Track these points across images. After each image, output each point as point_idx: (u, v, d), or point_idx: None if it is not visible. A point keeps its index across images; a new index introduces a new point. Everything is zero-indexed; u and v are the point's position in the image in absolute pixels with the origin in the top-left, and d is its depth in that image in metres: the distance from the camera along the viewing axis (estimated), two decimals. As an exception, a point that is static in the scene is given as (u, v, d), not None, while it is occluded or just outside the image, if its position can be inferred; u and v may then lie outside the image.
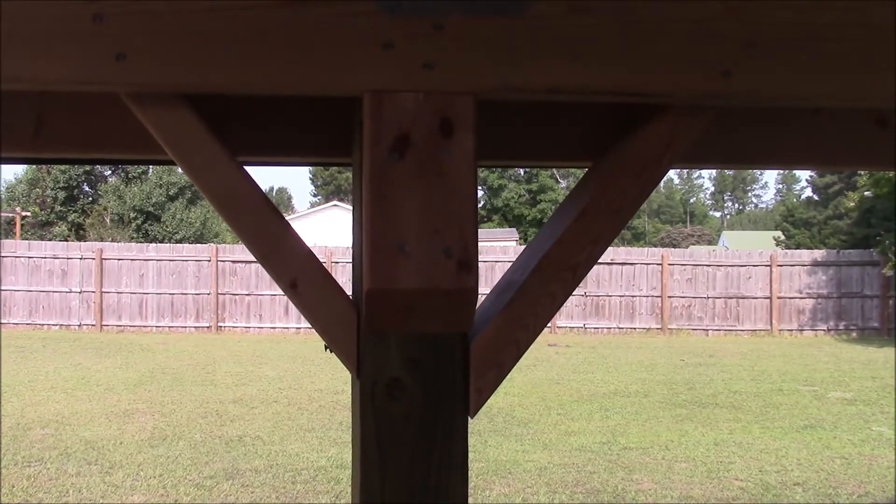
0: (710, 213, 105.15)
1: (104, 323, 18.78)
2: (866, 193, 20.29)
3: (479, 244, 0.94)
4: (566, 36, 0.89)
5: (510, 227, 44.11)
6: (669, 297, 19.32)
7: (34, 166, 36.64)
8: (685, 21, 0.91)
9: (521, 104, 1.14)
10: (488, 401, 1.00)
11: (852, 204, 22.43)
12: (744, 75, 0.92)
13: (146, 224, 35.04)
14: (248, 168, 1.00)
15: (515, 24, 0.88)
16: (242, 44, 0.87)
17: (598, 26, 0.90)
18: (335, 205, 37.57)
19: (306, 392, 10.43)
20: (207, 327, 18.93)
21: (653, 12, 0.90)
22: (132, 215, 35.07)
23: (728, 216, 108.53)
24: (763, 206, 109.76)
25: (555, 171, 47.80)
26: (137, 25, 0.86)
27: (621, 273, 19.39)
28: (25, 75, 0.87)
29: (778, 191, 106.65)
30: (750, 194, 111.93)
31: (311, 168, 66.70)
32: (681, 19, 0.91)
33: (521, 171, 47.55)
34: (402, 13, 0.87)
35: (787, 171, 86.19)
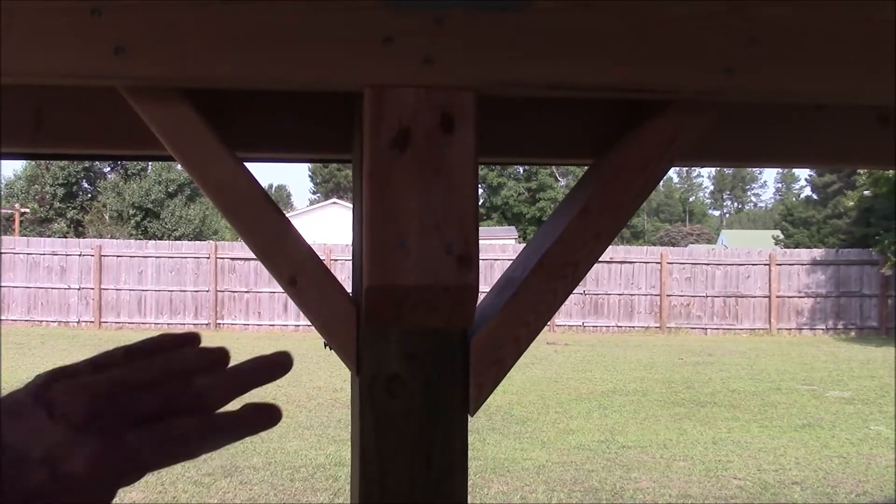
0: (710, 211, 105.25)
1: (103, 320, 18.78)
2: (865, 193, 20.31)
3: (479, 242, 0.93)
4: (568, 31, 0.89)
5: (509, 225, 44.14)
6: (668, 295, 19.33)
7: (33, 163, 36.65)
8: (688, 17, 0.91)
9: (522, 100, 1.14)
10: (487, 399, 1.00)
11: (851, 203, 22.45)
12: (746, 72, 0.92)
13: (145, 221, 35.05)
14: (247, 165, 0.99)
15: (517, 18, 0.88)
16: (242, 38, 0.87)
17: (600, 21, 0.89)
18: (334, 202, 37.54)
19: (305, 389, 10.43)
20: (206, 324, 18.93)
21: (656, 8, 0.90)
22: (131, 212, 35.07)
23: (727, 215, 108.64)
24: (762, 205, 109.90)
25: (554, 169, 47.83)
26: (136, 19, 0.86)
27: (620, 272, 19.39)
28: (23, 69, 0.87)
29: (777, 190, 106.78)
30: (749, 193, 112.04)
31: (310, 165, 66.78)
32: (684, 16, 0.91)
33: (521, 169, 47.59)
34: (402, 7, 0.86)
35: (786, 170, 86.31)
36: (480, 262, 0.93)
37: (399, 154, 0.87)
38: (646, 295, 19.41)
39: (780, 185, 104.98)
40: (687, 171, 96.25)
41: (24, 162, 37.84)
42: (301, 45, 0.87)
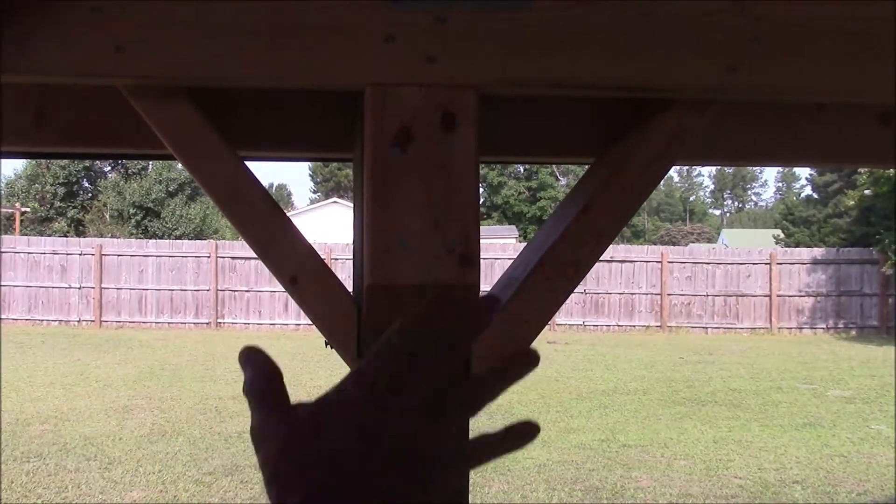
0: (710, 211, 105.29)
1: (103, 319, 18.78)
2: (866, 192, 20.30)
3: (480, 241, 0.93)
4: (570, 29, 0.89)
5: (510, 224, 44.15)
6: (669, 294, 19.32)
7: (34, 162, 36.68)
8: (690, 16, 0.90)
9: (524, 99, 1.14)
10: (489, 398, 1.00)
11: (852, 202, 22.42)
12: (749, 70, 0.92)
13: (146, 220, 35.07)
14: (248, 164, 0.99)
15: (519, 16, 0.88)
16: (243, 36, 0.87)
17: (601, 20, 0.89)
18: (335, 202, 37.55)
19: (305, 388, 10.43)
20: (207, 323, 18.94)
21: (659, 6, 0.90)
22: (132, 211, 35.09)
23: (727, 214, 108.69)
24: (763, 204, 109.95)
25: (555, 168, 47.85)
26: (137, 17, 0.86)
27: (621, 271, 19.39)
28: (24, 68, 0.87)
29: (777, 189, 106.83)
30: (749, 192, 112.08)
31: (310, 165, 66.86)
32: (687, 14, 0.90)
33: (521, 169, 47.59)
34: (404, 6, 0.86)
35: (787, 169, 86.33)
36: (481, 261, 0.93)
37: (400, 153, 0.86)
38: (646, 294, 19.40)
39: (780, 184, 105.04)
40: (687, 170, 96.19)
41: (25, 161, 37.88)
42: (302, 44, 0.87)
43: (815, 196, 40.81)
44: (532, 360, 0.71)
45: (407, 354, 0.62)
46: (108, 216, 35.69)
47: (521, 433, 0.70)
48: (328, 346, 1.01)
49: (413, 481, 0.58)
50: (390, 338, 0.63)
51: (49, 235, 29.95)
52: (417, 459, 0.59)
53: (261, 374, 0.66)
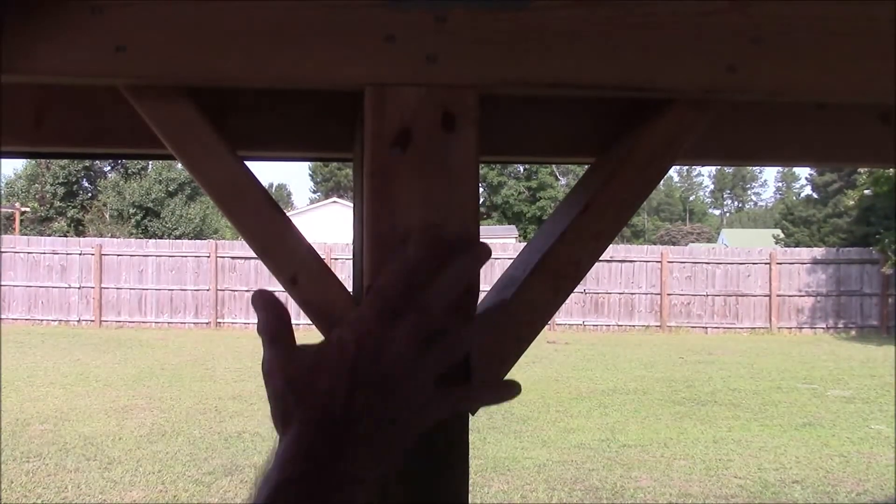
0: (710, 210, 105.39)
1: (103, 319, 18.78)
2: (866, 192, 20.32)
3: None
4: (571, 29, 0.89)
5: (509, 224, 44.17)
6: (668, 294, 19.33)
7: (33, 162, 36.69)
8: (691, 15, 0.90)
9: (523, 99, 1.14)
10: (489, 397, 1.00)
11: (852, 202, 22.45)
12: (749, 70, 0.92)
13: (145, 220, 35.10)
14: (248, 164, 0.99)
15: (519, 16, 0.87)
16: (243, 36, 0.87)
17: (603, 19, 0.89)
18: (335, 201, 37.57)
19: (305, 388, 10.44)
20: (206, 323, 18.94)
21: (659, 6, 0.90)
22: (131, 211, 35.12)
23: (727, 214, 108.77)
24: (762, 203, 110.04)
25: (554, 168, 47.86)
26: (137, 17, 0.86)
27: (620, 270, 19.40)
28: (24, 68, 0.87)
29: (777, 189, 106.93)
30: (749, 192, 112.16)
31: (310, 164, 66.92)
32: (687, 13, 0.90)
33: (521, 168, 47.62)
34: (404, 5, 0.86)
35: (786, 169, 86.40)
36: (481, 260, 0.92)
37: (400, 153, 0.86)
38: (646, 294, 19.41)
39: (780, 183, 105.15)
40: (687, 170, 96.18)
41: (25, 161, 37.90)
42: (302, 44, 0.87)
43: (815, 196, 40.83)
44: (482, 254, 0.81)
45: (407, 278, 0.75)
46: (107, 216, 35.70)
47: (503, 391, 0.82)
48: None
49: (394, 413, 0.71)
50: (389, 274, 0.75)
51: (49, 235, 29.95)
52: (397, 396, 0.71)
53: (272, 315, 0.77)
